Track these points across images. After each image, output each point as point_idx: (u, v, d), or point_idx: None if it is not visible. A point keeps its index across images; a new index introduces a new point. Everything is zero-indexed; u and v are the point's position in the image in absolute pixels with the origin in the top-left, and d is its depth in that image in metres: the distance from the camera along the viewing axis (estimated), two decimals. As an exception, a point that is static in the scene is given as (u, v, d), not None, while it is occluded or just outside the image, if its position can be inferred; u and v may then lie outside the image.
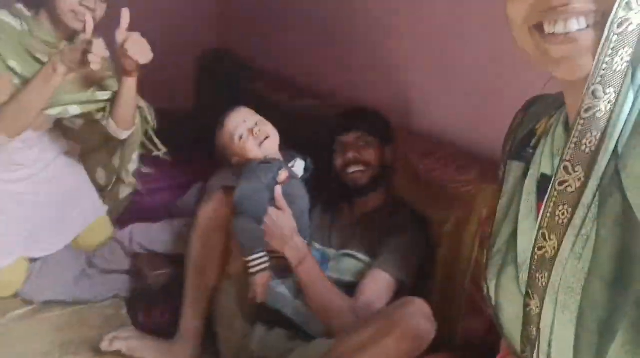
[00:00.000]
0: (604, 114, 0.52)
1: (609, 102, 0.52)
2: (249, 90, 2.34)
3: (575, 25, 0.53)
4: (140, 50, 1.44)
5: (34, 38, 1.52)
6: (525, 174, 0.70)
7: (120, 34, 1.43)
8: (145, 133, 1.77)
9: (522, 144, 0.74)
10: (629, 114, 0.53)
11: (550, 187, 0.58)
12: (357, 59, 2.02)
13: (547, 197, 0.58)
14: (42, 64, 1.48)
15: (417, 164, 1.57)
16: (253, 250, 1.40)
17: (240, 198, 1.42)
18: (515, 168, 0.73)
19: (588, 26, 0.54)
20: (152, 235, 1.78)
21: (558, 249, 0.56)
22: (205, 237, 1.52)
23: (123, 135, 1.68)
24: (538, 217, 0.62)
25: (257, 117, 1.57)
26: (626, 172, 0.53)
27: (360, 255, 1.49)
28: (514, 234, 0.68)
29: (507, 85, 1.45)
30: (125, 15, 1.44)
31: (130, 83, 1.55)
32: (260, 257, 1.40)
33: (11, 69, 1.47)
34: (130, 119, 1.65)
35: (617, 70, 0.51)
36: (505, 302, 0.68)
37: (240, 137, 1.51)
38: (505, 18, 1.42)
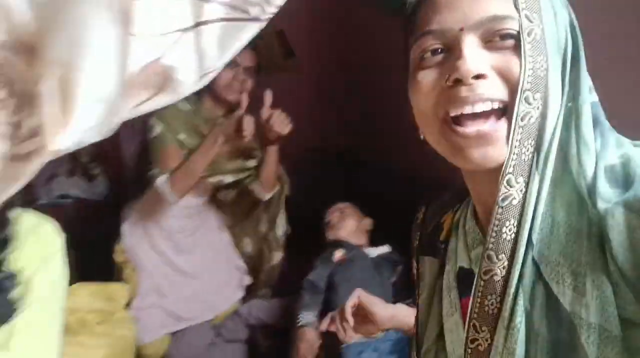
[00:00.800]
0: (519, 202, 0.54)
1: (521, 191, 0.54)
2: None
3: (482, 107, 0.55)
4: (282, 124, 1.81)
5: (197, 115, 1.95)
6: (440, 270, 0.70)
7: (266, 112, 1.80)
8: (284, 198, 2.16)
9: (430, 238, 0.74)
10: (538, 201, 0.54)
11: (475, 277, 0.57)
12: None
13: (474, 287, 0.57)
14: (204, 136, 1.88)
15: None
16: (299, 311, 1.79)
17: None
18: (429, 263, 0.73)
19: (493, 110, 0.55)
20: (267, 310, 2.05)
21: (491, 341, 0.55)
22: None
23: (266, 196, 2.06)
24: (462, 312, 0.61)
25: (346, 211, 2.01)
26: (544, 261, 0.53)
27: None
28: (440, 334, 0.67)
29: None
30: (269, 95, 1.80)
31: (273, 150, 1.94)
32: (301, 316, 1.78)
33: (180, 141, 1.90)
34: (273, 181, 2.04)
35: (525, 160, 0.54)
36: None
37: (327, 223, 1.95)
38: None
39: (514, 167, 0.54)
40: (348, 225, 2.02)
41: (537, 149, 0.54)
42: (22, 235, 0.94)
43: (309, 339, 1.72)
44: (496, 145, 0.55)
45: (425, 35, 0.59)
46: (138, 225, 2.02)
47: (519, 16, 0.55)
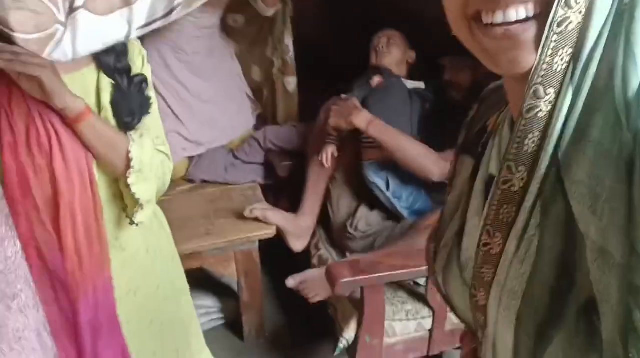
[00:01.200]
0: (545, 115, 0.51)
1: (549, 103, 0.50)
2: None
3: (514, 15, 0.50)
4: None
5: None
6: (474, 171, 0.68)
7: None
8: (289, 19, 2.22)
9: (474, 138, 0.72)
10: (569, 117, 0.50)
11: (494, 185, 0.56)
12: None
13: (491, 194, 0.57)
14: None
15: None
16: None
17: None
18: (466, 163, 0.72)
19: (528, 18, 0.50)
20: (281, 135, 2.23)
21: (503, 247, 0.56)
22: (323, 133, 1.95)
23: (269, 12, 2.10)
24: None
25: (392, 36, 2.09)
26: (569, 179, 0.50)
27: None
28: (460, 231, 0.68)
29: None
30: None
31: None
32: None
33: None
34: None
35: (557, 70, 0.49)
36: (454, 295, 0.69)
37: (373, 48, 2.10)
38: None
39: (543, 77, 0.50)
40: (393, 53, 2.06)
41: (575, 58, 0.49)
42: (127, 46, 1.07)
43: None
44: (526, 48, 0.51)
45: None
46: (153, 49, 2.06)
47: None
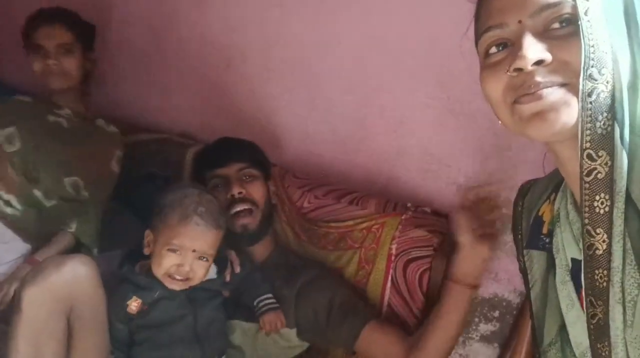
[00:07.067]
0: (605, 175, 0.54)
1: (605, 164, 0.54)
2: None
3: (546, 92, 0.58)
4: None
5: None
6: (549, 263, 0.71)
7: None
8: None
9: (533, 231, 0.74)
10: (631, 174, 0.54)
11: (582, 253, 0.58)
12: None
13: (583, 263, 0.58)
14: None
15: (299, 201, 1.42)
16: None
17: None
18: (537, 257, 0.74)
19: (557, 85, 0.58)
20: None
21: (607, 313, 0.56)
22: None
23: None
24: (582, 304, 0.62)
25: (214, 245, 1.11)
26: None
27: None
28: (562, 327, 0.69)
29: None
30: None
31: None
32: None
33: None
34: None
35: (601, 133, 0.54)
36: None
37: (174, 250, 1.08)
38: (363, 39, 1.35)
39: (590, 142, 0.54)
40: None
41: (620, 122, 0.54)
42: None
43: None
44: (562, 110, 0.57)
45: (487, 31, 0.63)
46: None
47: None
